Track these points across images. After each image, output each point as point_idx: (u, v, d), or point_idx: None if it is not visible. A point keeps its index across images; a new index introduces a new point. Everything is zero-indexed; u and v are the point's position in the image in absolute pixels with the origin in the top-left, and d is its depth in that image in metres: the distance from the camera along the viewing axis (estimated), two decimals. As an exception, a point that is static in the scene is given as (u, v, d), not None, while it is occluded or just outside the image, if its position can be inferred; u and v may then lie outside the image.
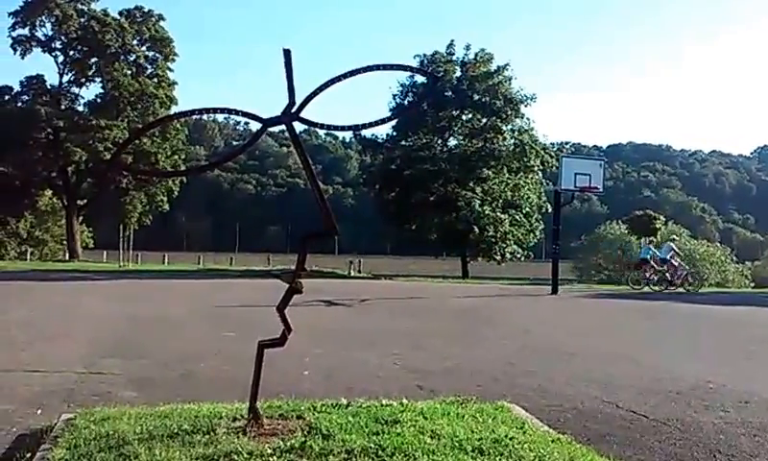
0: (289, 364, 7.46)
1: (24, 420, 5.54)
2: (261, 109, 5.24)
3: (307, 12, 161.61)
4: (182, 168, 45.55)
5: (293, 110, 5.10)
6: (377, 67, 5.27)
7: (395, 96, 36.08)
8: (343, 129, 5.31)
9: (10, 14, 42.81)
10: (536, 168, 36.01)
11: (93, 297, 17.26)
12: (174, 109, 45.62)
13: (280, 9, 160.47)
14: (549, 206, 35.62)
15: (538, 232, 36.35)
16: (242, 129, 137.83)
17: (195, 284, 23.07)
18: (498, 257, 35.35)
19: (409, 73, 35.95)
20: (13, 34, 43.14)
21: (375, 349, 9.78)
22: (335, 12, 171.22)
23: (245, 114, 5.27)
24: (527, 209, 35.73)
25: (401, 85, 35.91)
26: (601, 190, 21.81)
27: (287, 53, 5.07)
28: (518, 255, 35.87)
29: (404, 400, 5.60)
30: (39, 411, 5.82)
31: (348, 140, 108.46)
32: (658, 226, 35.49)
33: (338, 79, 5.13)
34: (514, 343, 10.82)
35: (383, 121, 5.49)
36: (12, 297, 16.97)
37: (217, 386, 6.92)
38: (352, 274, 32.60)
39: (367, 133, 37.19)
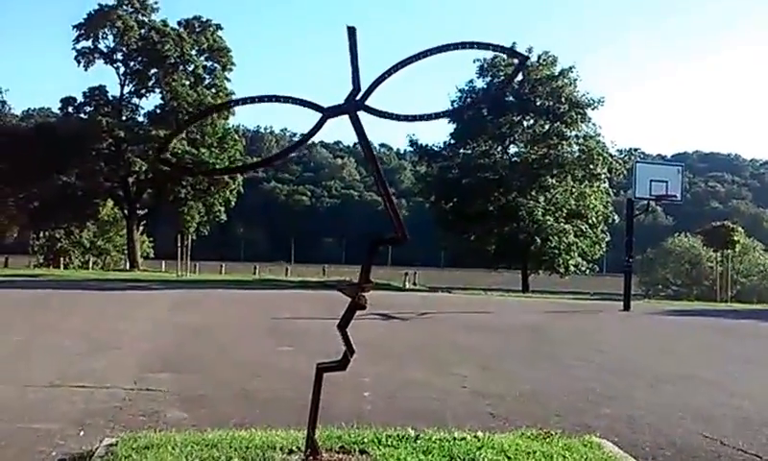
0: (347, 384, 6.88)
1: (65, 442, 5.22)
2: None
3: (364, 15, 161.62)
4: (239, 178, 45.88)
5: (357, 98, 4.48)
6: (454, 47, 4.60)
7: (453, 102, 35.33)
8: (414, 119, 4.65)
9: (74, 27, 43.79)
10: (602, 176, 34.61)
11: (148, 307, 17.08)
12: (231, 120, 46.02)
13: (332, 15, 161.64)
14: (616, 215, 34.38)
15: (604, 244, 34.91)
16: (298, 140, 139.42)
17: (251, 295, 22.81)
18: (561, 270, 34.10)
19: (470, 80, 35.10)
20: (77, 46, 44.01)
21: (439, 369, 9.17)
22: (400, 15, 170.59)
23: (303, 103, 4.68)
24: (593, 220, 34.37)
25: (460, 91, 35.20)
26: (679, 198, 20.67)
27: (352, 31, 4.46)
28: (583, 268, 34.51)
29: (479, 434, 5.02)
30: (82, 432, 5.49)
31: (402, 151, 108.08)
32: (736, 238, 33.70)
33: (409, 60, 4.50)
34: (589, 365, 10.05)
35: (456, 111, 4.78)
36: (70, 306, 16.93)
37: (272, 407, 6.53)
38: (407, 286, 31.92)
39: (424, 140, 36.82)
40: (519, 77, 33.95)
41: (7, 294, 19.47)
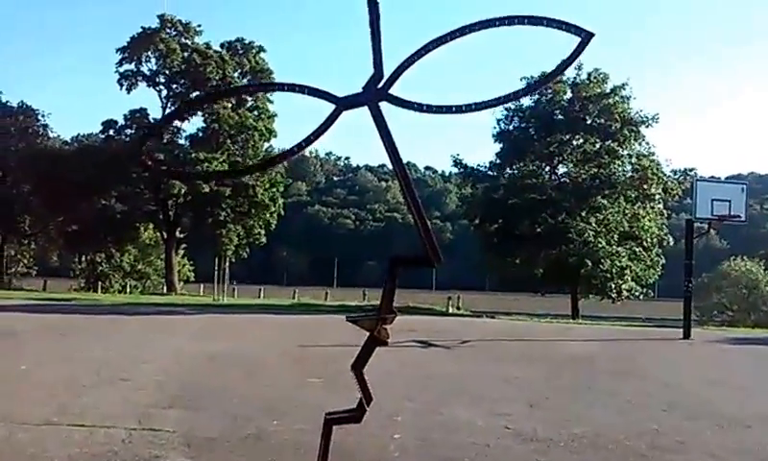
0: (376, 422, 6.20)
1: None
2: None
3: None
4: (280, 201, 45.65)
5: (380, 86, 3.64)
6: (500, 22, 3.71)
7: (499, 121, 34.37)
8: (449, 110, 3.74)
9: (117, 50, 44.08)
10: (657, 197, 33.10)
11: (175, 333, 16.44)
12: (273, 142, 45.81)
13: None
14: (671, 238, 32.99)
15: (659, 268, 33.32)
16: (342, 164, 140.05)
17: (286, 320, 22.16)
18: (614, 295, 32.55)
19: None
20: (120, 69, 44.25)
21: (480, 406, 8.20)
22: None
23: (314, 92, 3.85)
24: (647, 242, 32.86)
25: (506, 109, 34.16)
26: (743, 219, 19.38)
27: (373, 3, 3.62)
28: (637, 293, 32.93)
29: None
30: (63, 485, 4.73)
31: (447, 174, 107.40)
32: (802, 261, 32.07)
33: (446, 38, 3.63)
34: (652, 401, 8.99)
35: (499, 100, 3.85)
36: (95, 332, 16.37)
37: (286, 453, 5.85)
38: (450, 311, 31.00)
39: (469, 161, 35.75)
40: (575, 85, 32.98)
41: (34, 318, 19.03)
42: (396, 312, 3.59)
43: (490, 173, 35.11)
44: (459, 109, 3.70)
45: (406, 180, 3.55)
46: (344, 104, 3.66)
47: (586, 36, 3.73)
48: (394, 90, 3.65)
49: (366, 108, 3.66)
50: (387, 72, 3.65)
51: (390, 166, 3.89)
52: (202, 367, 10.83)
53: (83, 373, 9.72)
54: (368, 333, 3.60)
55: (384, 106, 3.69)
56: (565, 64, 3.85)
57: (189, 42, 44.16)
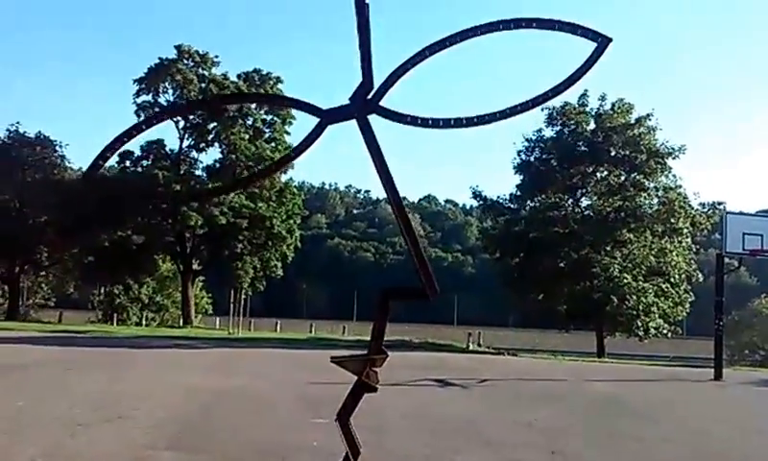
0: None
1: None
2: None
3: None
4: (297, 233, 45.35)
5: (369, 96, 3.23)
6: (504, 25, 3.29)
7: (519, 152, 33.74)
8: (447, 124, 3.30)
9: (134, 81, 43.78)
10: (685, 231, 32.01)
11: (184, 367, 16.02)
12: (290, 174, 45.58)
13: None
14: (700, 274, 31.96)
15: (687, 305, 32.14)
16: (362, 197, 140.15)
17: (299, 355, 21.60)
18: (641, 333, 31.40)
19: (539, 129, 33.54)
20: (138, 100, 43.87)
21: (497, 452, 7.69)
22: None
23: (296, 104, 3.45)
24: (675, 278, 31.74)
25: (528, 140, 33.59)
26: (778, 253, 18.54)
27: (361, 5, 3.23)
28: (664, 331, 31.76)
29: None
30: None
31: (468, 207, 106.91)
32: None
33: (441, 44, 3.21)
34: (683, 450, 8.37)
35: (503, 114, 3.41)
36: (104, 366, 15.93)
37: None
38: (471, 347, 30.18)
39: (489, 193, 35.07)
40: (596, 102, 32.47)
41: (43, 351, 18.63)
42: (386, 353, 3.13)
43: (510, 205, 34.46)
44: (459, 123, 3.26)
45: (398, 202, 3.10)
46: (328, 117, 3.25)
47: (602, 42, 3.27)
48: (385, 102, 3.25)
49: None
50: (377, 81, 3.25)
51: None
52: (207, 404, 10.37)
53: (82, 409, 9.32)
54: (355, 377, 3.15)
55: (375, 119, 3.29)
56: (580, 73, 3.38)
57: (206, 73, 43.86)
